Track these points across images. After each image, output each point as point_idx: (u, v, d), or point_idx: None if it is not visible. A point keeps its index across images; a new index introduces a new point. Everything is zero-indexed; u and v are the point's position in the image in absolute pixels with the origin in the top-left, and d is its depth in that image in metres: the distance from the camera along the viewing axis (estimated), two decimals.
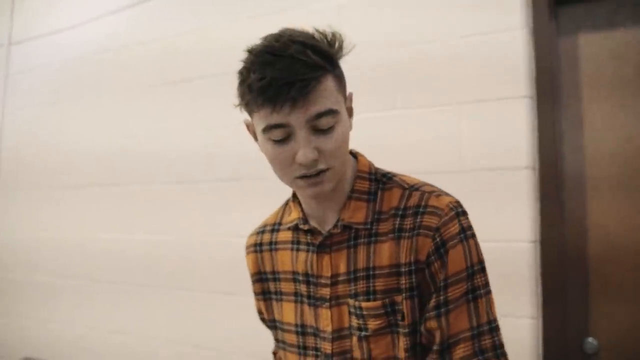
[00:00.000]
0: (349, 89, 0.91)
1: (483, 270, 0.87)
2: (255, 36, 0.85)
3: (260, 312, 1.07)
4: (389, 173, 0.95)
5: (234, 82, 0.87)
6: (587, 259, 1.54)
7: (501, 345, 0.85)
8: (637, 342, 1.46)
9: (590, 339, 1.51)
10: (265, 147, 0.86)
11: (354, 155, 0.97)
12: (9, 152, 2.86)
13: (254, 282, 1.05)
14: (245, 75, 0.82)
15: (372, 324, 0.87)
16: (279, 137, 0.82)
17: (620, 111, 1.53)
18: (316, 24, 0.87)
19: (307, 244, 0.95)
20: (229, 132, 1.98)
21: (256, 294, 1.06)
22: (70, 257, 2.50)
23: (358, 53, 1.69)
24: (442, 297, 0.83)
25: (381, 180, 0.93)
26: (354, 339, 0.89)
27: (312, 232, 0.94)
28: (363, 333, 0.88)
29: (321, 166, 0.83)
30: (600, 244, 1.53)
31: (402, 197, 0.89)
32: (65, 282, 2.51)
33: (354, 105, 0.93)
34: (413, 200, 0.88)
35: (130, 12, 2.41)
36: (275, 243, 1.02)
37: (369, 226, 0.89)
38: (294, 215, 0.97)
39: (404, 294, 0.85)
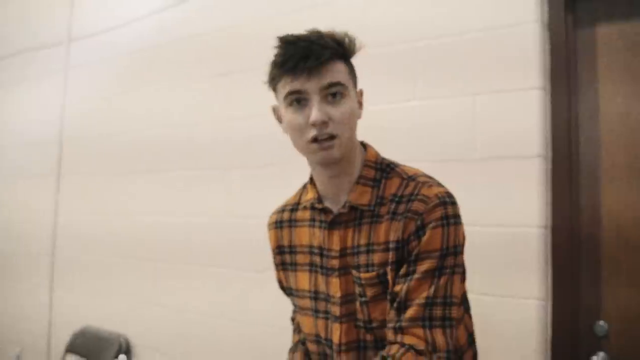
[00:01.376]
0: (372, 81, 1.09)
1: (456, 254, 0.99)
2: (284, 31, 1.02)
3: (279, 281, 1.22)
4: (392, 163, 1.09)
5: (263, 75, 1.04)
6: (599, 245, 1.58)
7: (450, 319, 0.97)
8: None
9: (601, 322, 1.56)
10: (286, 117, 1.02)
11: (364, 145, 1.11)
12: (70, 141, 3.11)
13: (275, 255, 1.21)
14: (273, 57, 1.01)
15: (370, 292, 1.02)
16: (289, 102, 1.00)
17: (636, 102, 1.56)
18: (342, 19, 1.07)
19: (321, 221, 1.09)
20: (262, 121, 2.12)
21: (276, 265, 1.21)
22: (117, 237, 2.73)
23: (381, 46, 1.81)
24: (411, 268, 0.97)
25: (385, 169, 1.07)
26: (357, 303, 1.04)
27: (325, 210, 1.08)
28: (363, 299, 1.02)
29: (331, 131, 0.98)
30: (613, 230, 1.57)
31: (400, 185, 1.03)
32: (113, 260, 2.74)
33: (373, 98, 1.09)
34: (408, 189, 1.01)
35: (174, 11, 2.59)
36: (295, 220, 1.17)
37: (372, 208, 1.03)
38: (310, 196, 1.12)
39: (389, 267, 0.99)
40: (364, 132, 1.13)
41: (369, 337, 1.04)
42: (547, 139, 1.60)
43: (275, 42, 1.00)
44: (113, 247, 2.76)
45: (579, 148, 1.63)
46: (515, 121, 1.61)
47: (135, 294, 2.64)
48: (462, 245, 1.01)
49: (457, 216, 1.00)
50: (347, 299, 1.05)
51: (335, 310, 1.06)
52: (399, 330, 0.96)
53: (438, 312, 0.96)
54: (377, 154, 1.10)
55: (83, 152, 3.01)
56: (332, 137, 0.99)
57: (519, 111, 1.60)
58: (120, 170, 2.78)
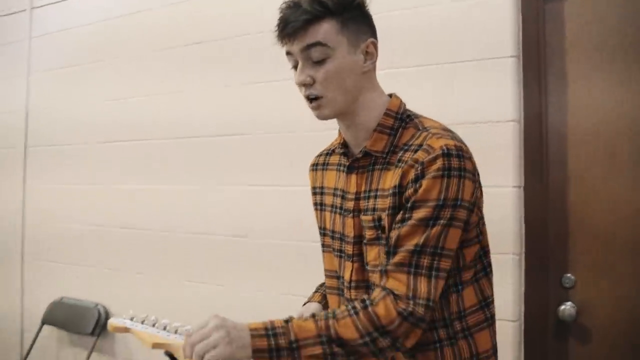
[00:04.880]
0: None
1: (456, 207, 0.98)
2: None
3: (317, 221, 1.28)
4: (414, 114, 1.13)
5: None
6: (567, 203, 1.70)
7: (438, 270, 0.97)
8: (609, 276, 1.63)
9: (569, 275, 1.69)
10: None
11: (391, 96, 1.15)
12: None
13: (312, 194, 1.29)
14: None
15: (367, 234, 1.07)
16: (292, 63, 1.08)
17: (602, 72, 1.66)
18: None
19: (343, 165, 1.16)
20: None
21: (313, 204, 1.29)
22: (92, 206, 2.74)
23: None
24: (406, 215, 0.99)
25: (405, 119, 1.11)
26: (363, 245, 1.10)
27: (346, 155, 1.15)
28: (365, 241, 1.08)
29: (314, 92, 1.05)
30: (579, 189, 1.68)
31: (413, 136, 1.06)
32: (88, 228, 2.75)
33: None
34: (418, 140, 1.04)
35: None
36: (327, 164, 1.25)
37: (384, 155, 1.08)
38: (336, 141, 1.21)
39: (386, 212, 1.03)
40: None
41: (370, 277, 1.08)
42: (520, 105, 1.70)
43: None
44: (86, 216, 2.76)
45: (548, 113, 1.73)
46: (491, 88, 1.70)
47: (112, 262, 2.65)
48: (468, 202, 1.00)
49: (462, 170, 0.98)
50: (359, 240, 1.10)
51: (349, 249, 1.12)
52: (384, 273, 0.98)
53: (425, 260, 0.96)
54: (400, 105, 1.12)
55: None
56: (316, 97, 1.05)
57: (495, 79, 1.69)
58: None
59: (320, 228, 1.26)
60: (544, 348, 1.70)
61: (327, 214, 1.21)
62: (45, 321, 2.82)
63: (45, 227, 2.97)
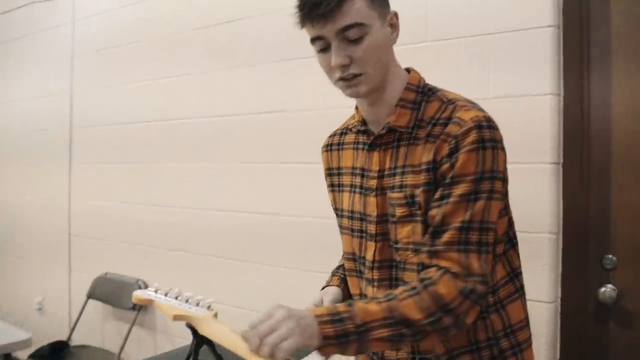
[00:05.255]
0: None
1: (493, 179, 0.97)
2: None
3: (332, 203, 1.27)
4: (434, 88, 1.10)
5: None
6: (609, 182, 1.61)
7: (486, 244, 0.96)
8: None
9: (610, 256, 1.61)
10: (317, 59, 1.06)
11: (408, 70, 1.12)
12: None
13: (326, 176, 1.27)
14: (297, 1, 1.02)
15: (398, 212, 1.04)
16: (320, 47, 1.03)
17: None
18: None
19: (363, 143, 1.13)
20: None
21: (328, 186, 1.27)
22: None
23: None
24: (445, 191, 0.98)
25: (426, 93, 1.08)
26: (389, 223, 1.07)
27: (367, 132, 1.12)
28: (393, 219, 1.05)
29: (353, 71, 1.01)
30: (623, 168, 1.59)
31: (439, 109, 1.04)
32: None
33: None
34: (446, 113, 1.02)
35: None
36: (342, 144, 1.22)
37: (409, 130, 1.05)
38: (353, 120, 1.18)
39: (421, 188, 1.01)
40: None
41: (398, 257, 1.06)
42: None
43: None
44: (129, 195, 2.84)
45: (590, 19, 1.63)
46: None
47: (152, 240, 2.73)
48: (502, 172, 1.00)
49: (494, 140, 0.98)
50: (382, 219, 1.08)
51: (371, 229, 1.09)
52: (434, 254, 0.97)
53: (474, 236, 0.95)
54: (419, 78, 1.10)
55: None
56: (356, 75, 1.01)
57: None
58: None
59: (337, 210, 1.23)
60: (582, 331, 1.63)
61: (345, 194, 1.18)
62: (91, 295, 2.94)
63: (89, 206, 3.08)
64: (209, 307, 1.04)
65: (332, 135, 1.27)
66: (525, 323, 1.10)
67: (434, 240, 0.98)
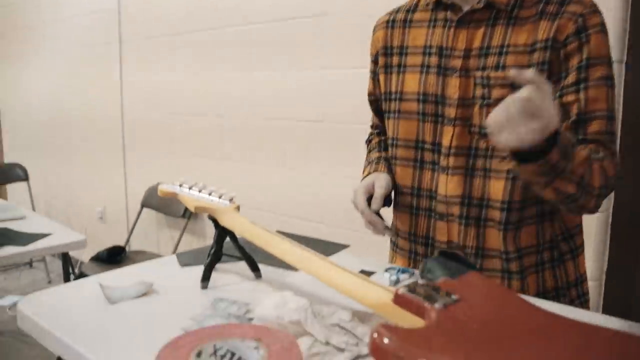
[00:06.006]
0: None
1: (612, 66, 0.94)
2: None
3: (370, 95, 1.20)
4: None
5: None
6: None
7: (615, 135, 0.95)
8: None
9: None
10: None
11: None
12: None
13: (377, 56, 1.14)
14: None
15: (496, 93, 0.95)
16: None
17: None
18: None
19: (446, 19, 1.03)
20: None
21: (376, 69, 1.15)
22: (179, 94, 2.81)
23: None
24: (582, 75, 0.92)
25: None
26: (476, 107, 0.98)
27: (453, 7, 1.02)
28: (485, 101, 0.97)
29: None
30: None
31: None
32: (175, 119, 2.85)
33: None
34: None
35: None
36: (411, 21, 1.10)
37: (509, 8, 0.96)
38: None
39: (538, 67, 0.93)
40: None
41: (482, 143, 0.98)
42: None
43: None
44: (177, 106, 2.86)
45: None
46: None
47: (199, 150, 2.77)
48: None
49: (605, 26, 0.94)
50: (464, 102, 1.00)
51: (450, 112, 1.01)
52: (584, 142, 0.91)
53: (614, 127, 0.94)
54: None
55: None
56: None
57: None
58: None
59: (392, 93, 1.11)
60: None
61: (412, 75, 1.07)
62: (145, 204, 3.06)
63: (141, 118, 3.15)
64: (231, 200, 1.03)
65: (395, 12, 1.14)
66: (580, 229, 1.06)
67: (579, 128, 0.93)
